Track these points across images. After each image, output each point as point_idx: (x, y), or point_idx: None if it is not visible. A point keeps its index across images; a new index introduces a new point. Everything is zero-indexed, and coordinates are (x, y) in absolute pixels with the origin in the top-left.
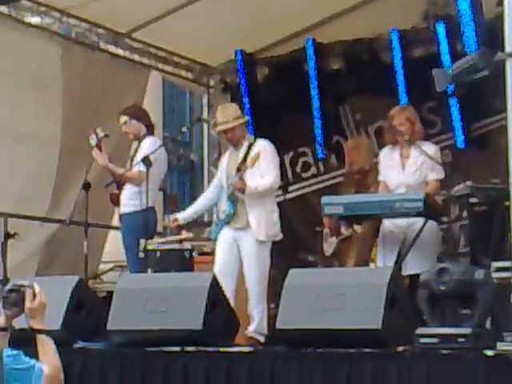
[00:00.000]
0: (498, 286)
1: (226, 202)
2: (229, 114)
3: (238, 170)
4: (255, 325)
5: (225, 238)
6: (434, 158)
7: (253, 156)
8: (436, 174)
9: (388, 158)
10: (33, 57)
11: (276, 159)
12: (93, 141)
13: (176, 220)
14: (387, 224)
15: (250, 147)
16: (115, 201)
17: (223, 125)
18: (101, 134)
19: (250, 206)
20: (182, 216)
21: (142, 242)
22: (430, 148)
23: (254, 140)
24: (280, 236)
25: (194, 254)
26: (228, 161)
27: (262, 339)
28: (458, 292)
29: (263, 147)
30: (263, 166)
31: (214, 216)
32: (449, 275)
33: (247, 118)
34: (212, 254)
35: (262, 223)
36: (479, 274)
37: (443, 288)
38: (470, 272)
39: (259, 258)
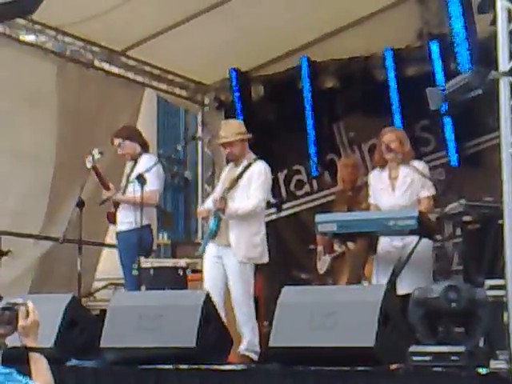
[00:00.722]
0: (493, 304)
1: (212, 219)
2: (230, 129)
3: (230, 188)
4: (246, 342)
5: (211, 254)
6: (425, 174)
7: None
8: (427, 190)
9: (378, 181)
10: (28, 74)
11: (268, 183)
12: (89, 163)
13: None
14: (385, 244)
15: (247, 167)
16: (112, 219)
17: (223, 138)
18: (97, 156)
19: (232, 225)
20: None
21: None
22: (419, 165)
23: (254, 160)
24: (264, 259)
25: (187, 271)
26: (225, 176)
27: (254, 357)
28: (466, 310)
29: (258, 169)
30: (253, 187)
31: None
32: (457, 293)
33: (249, 135)
34: None
35: (242, 244)
36: (480, 292)
37: (454, 305)
38: (472, 290)
39: (243, 276)
